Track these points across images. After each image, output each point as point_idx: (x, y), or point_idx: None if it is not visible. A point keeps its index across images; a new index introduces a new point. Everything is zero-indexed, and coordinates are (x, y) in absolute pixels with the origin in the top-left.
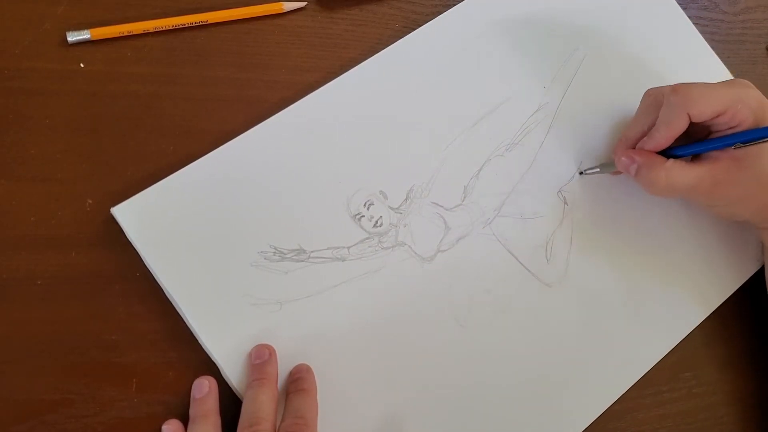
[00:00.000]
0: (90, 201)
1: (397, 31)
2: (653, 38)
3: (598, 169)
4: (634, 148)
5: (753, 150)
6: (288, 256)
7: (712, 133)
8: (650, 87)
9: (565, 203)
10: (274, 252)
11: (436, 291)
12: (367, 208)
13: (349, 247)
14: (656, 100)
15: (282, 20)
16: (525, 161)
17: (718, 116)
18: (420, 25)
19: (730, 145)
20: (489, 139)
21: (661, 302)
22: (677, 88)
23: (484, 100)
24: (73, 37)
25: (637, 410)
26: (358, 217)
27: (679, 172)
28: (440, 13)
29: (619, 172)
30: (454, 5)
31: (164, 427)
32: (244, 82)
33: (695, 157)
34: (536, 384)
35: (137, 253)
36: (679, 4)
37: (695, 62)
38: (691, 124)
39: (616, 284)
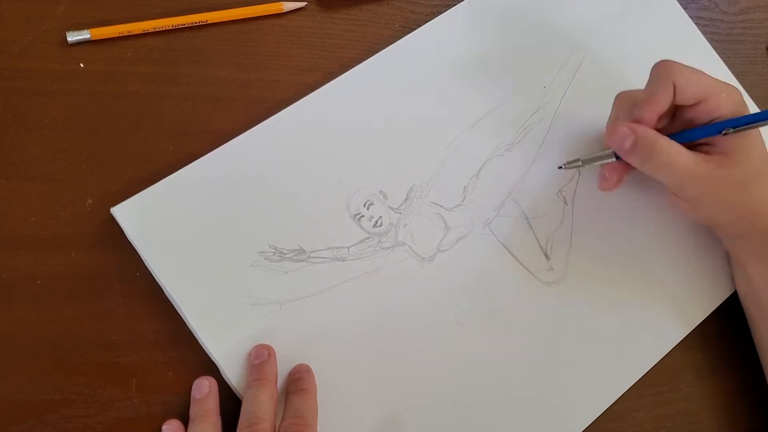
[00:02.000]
0: (90, 201)
1: (397, 31)
2: (654, 38)
3: (580, 162)
4: None
5: (741, 146)
6: (288, 256)
7: (685, 122)
8: None
9: (565, 203)
10: (274, 252)
11: (436, 291)
12: (367, 208)
13: (349, 247)
14: (630, 96)
15: (282, 20)
16: (525, 161)
17: (700, 102)
18: (420, 25)
19: (719, 131)
20: (489, 139)
21: (661, 301)
22: (663, 62)
23: (484, 100)
24: (73, 37)
25: (637, 410)
26: (358, 217)
27: (681, 152)
28: (440, 13)
29: (608, 181)
30: (454, 5)
31: (164, 427)
32: (244, 82)
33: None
34: (536, 384)
35: (137, 253)
36: (679, 3)
37: (696, 62)
38: (675, 119)
39: (616, 284)
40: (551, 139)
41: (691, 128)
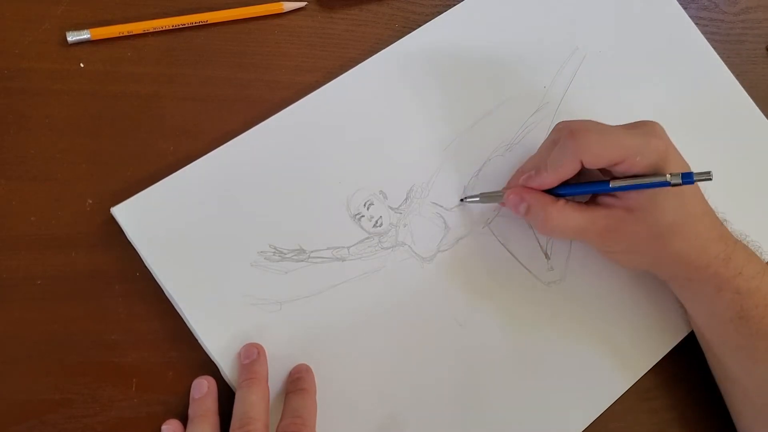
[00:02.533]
0: (90, 201)
1: (397, 31)
2: (654, 38)
3: (478, 199)
4: None
5: (645, 201)
6: (288, 256)
7: (612, 176)
8: (651, 87)
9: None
10: (274, 252)
11: (436, 291)
12: (367, 208)
13: (349, 247)
14: (559, 137)
15: (282, 20)
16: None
17: (614, 165)
18: (420, 25)
19: (608, 190)
20: (489, 139)
21: (662, 301)
22: (573, 133)
23: (484, 100)
24: (73, 37)
25: (637, 410)
26: (358, 217)
27: (571, 214)
28: (440, 13)
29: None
30: (454, 5)
31: (164, 427)
32: (244, 82)
33: (591, 200)
34: (536, 383)
35: (137, 253)
36: (679, 3)
37: (696, 62)
38: (586, 171)
39: (616, 283)
40: None
41: (585, 183)
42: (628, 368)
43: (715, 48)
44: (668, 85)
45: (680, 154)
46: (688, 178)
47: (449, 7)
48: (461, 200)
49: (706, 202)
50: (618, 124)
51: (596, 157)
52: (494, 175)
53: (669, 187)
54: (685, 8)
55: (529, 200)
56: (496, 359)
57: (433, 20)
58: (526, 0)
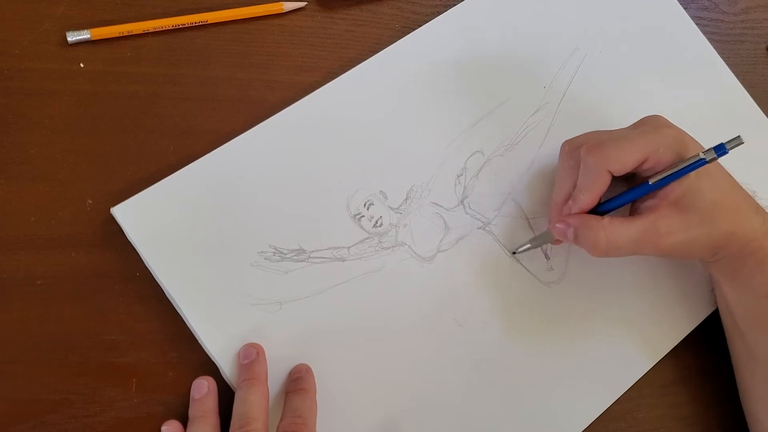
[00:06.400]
0: (90, 201)
1: (397, 31)
2: (654, 38)
3: (529, 245)
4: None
5: (685, 188)
6: (288, 256)
7: (639, 178)
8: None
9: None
10: (274, 252)
11: (436, 291)
12: (367, 208)
13: (349, 247)
14: (574, 158)
15: (282, 20)
16: (525, 161)
17: (640, 165)
18: (420, 25)
19: (650, 188)
20: (489, 139)
21: (663, 300)
22: (591, 149)
23: (484, 101)
24: (73, 37)
25: (637, 410)
26: (358, 217)
27: (619, 228)
28: (440, 13)
29: (559, 241)
30: (454, 5)
31: (163, 427)
32: (244, 82)
33: (633, 210)
34: (535, 384)
35: (137, 253)
36: (679, 3)
37: (696, 62)
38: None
39: (615, 284)
40: (551, 139)
41: (625, 192)
42: (628, 368)
43: (715, 48)
44: (668, 85)
45: (691, 136)
46: (721, 149)
47: (449, 7)
48: (513, 253)
49: (732, 177)
50: (618, 124)
51: (622, 164)
52: (494, 175)
53: (701, 169)
54: (685, 8)
55: (574, 223)
56: (495, 359)
57: (433, 20)
58: (526, 0)
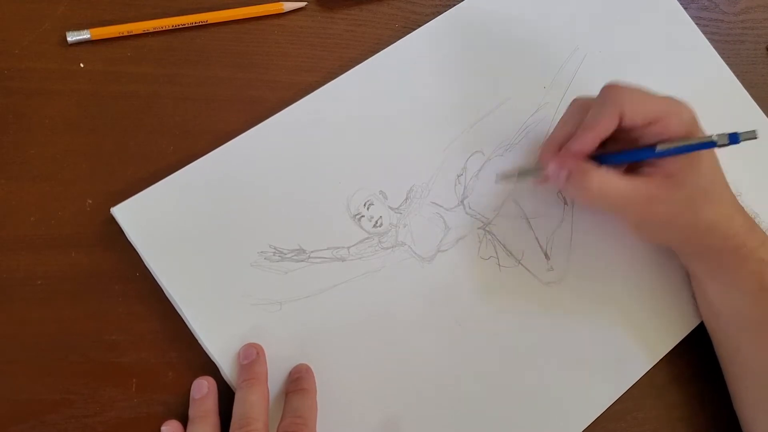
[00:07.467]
0: (90, 201)
1: (397, 31)
2: (654, 38)
3: (515, 176)
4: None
5: (684, 165)
6: (288, 256)
7: (639, 145)
8: (651, 86)
9: (565, 203)
10: (274, 252)
11: (435, 291)
12: (367, 208)
13: (349, 247)
14: (585, 104)
15: (282, 20)
16: (525, 161)
17: (649, 124)
18: (420, 25)
19: (654, 155)
20: (489, 139)
21: (663, 300)
22: (611, 86)
23: (484, 100)
24: (73, 37)
25: (637, 410)
26: (358, 217)
27: (615, 180)
28: (440, 13)
29: (544, 182)
30: (454, 5)
31: (163, 428)
32: (244, 82)
33: (627, 172)
34: (535, 384)
35: (137, 253)
36: (679, 3)
37: (696, 62)
38: (619, 136)
39: (616, 284)
40: None
41: (628, 150)
42: (628, 368)
43: (715, 48)
44: (668, 85)
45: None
46: (734, 137)
47: (449, 7)
48: (496, 181)
49: (724, 174)
50: None
51: (636, 112)
52: (494, 175)
53: (700, 154)
54: (685, 8)
55: (570, 166)
56: (495, 359)
57: (433, 20)
58: (526, 0)
